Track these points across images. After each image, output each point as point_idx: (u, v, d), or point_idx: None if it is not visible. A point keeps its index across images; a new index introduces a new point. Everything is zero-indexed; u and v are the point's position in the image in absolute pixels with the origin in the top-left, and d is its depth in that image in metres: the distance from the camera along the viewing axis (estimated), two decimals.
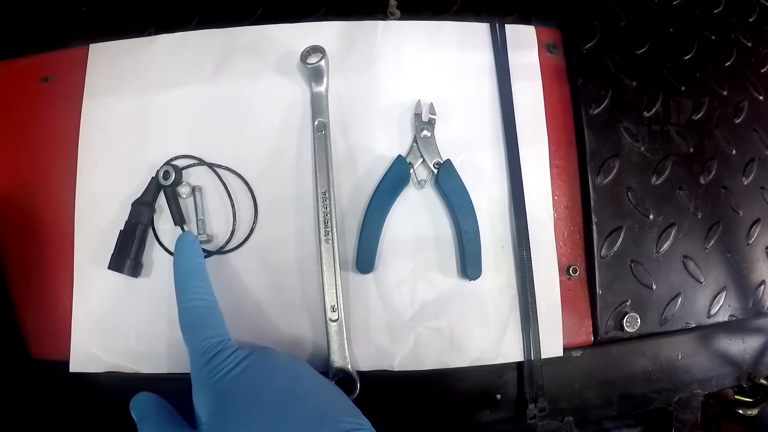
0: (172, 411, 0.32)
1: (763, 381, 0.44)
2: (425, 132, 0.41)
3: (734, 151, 0.45)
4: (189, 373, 0.37)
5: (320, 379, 0.32)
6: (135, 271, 0.38)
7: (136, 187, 0.40)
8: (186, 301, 0.33)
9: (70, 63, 0.43)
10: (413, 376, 0.39)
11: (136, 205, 0.39)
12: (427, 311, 0.39)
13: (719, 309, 0.43)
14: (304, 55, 0.40)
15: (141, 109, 0.42)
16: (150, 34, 0.44)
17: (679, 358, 0.42)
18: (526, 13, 0.45)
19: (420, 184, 0.40)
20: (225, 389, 0.30)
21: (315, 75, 0.40)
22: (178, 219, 0.39)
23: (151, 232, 0.40)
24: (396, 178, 0.40)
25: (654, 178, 0.43)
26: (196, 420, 0.31)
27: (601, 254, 0.41)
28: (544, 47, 0.44)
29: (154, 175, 0.39)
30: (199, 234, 0.39)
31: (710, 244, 0.43)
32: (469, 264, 0.38)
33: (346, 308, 0.38)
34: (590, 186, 0.42)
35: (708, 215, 0.43)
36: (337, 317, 0.37)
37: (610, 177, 0.42)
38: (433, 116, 0.41)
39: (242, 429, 0.28)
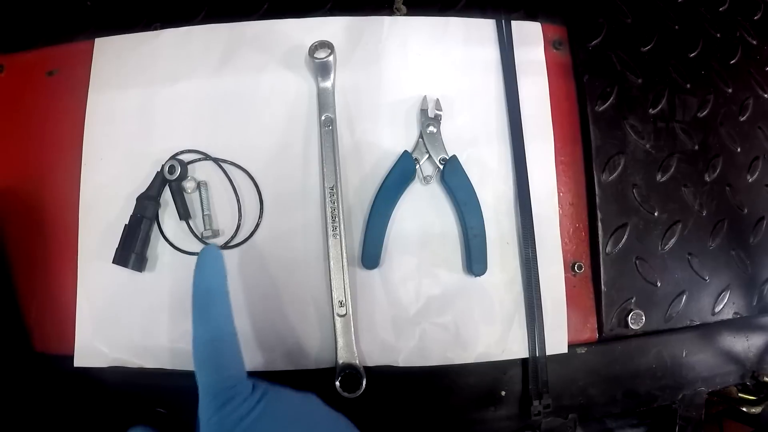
0: None
1: (767, 379, 0.44)
2: (431, 128, 0.41)
3: (739, 149, 0.45)
4: (192, 370, 0.37)
5: (332, 417, 0.31)
6: (139, 265, 0.38)
7: (141, 181, 0.40)
8: (203, 332, 0.30)
9: (75, 57, 0.43)
10: (418, 371, 0.39)
11: (141, 199, 0.39)
12: (432, 307, 0.39)
13: (724, 307, 0.43)
14: (312, 50, 0.40)
15: (146, 104, 0.42)
16: (155, 29, 0.43)
17: (684, 355, 0.42)
18: (533, 10, 0.45)
19: (426, 179, 0.40)
20: None
21: (322, 70, 0.40)
22: (183, 213, 0.39)
23: (156, 226, 0.40)
24: (402, 173, 0.40)
25: (659, 175, 0.43)
26: None
27: (606, 251, 0.41)
28: (550, 44, 0.44)
29: (159, 170, 0.39)
30: (204, 229, 0.39)
31: (715, 241, 0.43)
32: (474, 260, 0.38)
33: (352, 304, 0.38)
34: (595, 183, 0.42)
35: (713, 213, 0.43)
36: (345, 312, 0.37)
37: (615, 174, 0.42)
38: (439, 112, 0.41)
39: None
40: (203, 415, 0.29)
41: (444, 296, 0.39)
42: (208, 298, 0.31)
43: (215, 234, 0.39)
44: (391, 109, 0.42)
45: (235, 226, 0.40)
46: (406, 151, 0.40)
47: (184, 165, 0.40)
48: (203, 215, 0.39)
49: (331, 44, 0.40)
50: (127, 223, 0.39)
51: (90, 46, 0.43)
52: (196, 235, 0.39)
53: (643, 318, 0.41)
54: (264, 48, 0.42)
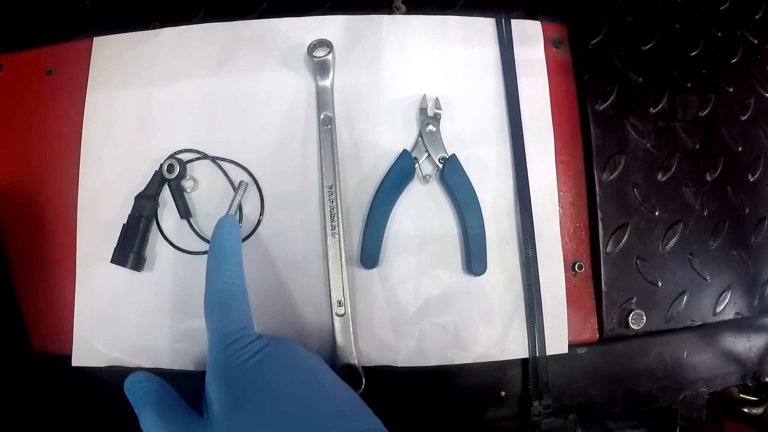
0: (175, 397, 0.31)
1: None
2: (430, 127, 0.40)
3: (740, 148, 0.45)
4: (191, 370, 0.37)
5: (336, 377, 0.32)
6: (138, 265, 0.38)
7: (140, 180, 0.40)
8: (214, 283, 0.32)
9: (73, 56, 0.43)
10: (417, 372, 0.39)
11: (140, 198, 0.39)
12: (431, 307, 0.39)
13: (725, 307, 0.42)
14: (311, 48, 0.39)
15: (145, 103, 0.42)
16: (154, 28, 0.43)
17: (685, 356, 0.42)
18: (532, 8, 0.45)
19: (425, 179, 0.40)
20: (242, 378, 0.29)
21: (321, 69, 0.40)
22: (184, 212, 0.39)
23: (155, 225, 0.40)
24: (401, 172, 0.39)
25: (660, 175, 0.43)
26: (207, 407, 0.30)
27: (607, 251, 0.41)
28: (550, 42, 0.44)
29: (157, 169, 0.39)
30: None
31: (716, 241, 0.43)
32: (474, 260, 0.38)
33: (351, 303, 0.38)
34: (596, 182, 0.41)
35: (714, 212, 0.43)
36: (343, 312, 0.37)
37: (616, 173, 0.42)
38: (438, 111, 0.41)
39: (257, 420, 0.27)
40: (210, 357, 0.30)
41: (443, 296, 0.39)
42: (221, 255, 0.33)
43: None
44: (390, 108, 0.41)
45: None
46: (405, 150, 0.40)
47: (183, 164, 0.40)
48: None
49: (330, 43, 0.40)
50: (125, 222, 0.39)
51: (88, 45, 0.43)
52: (197, 233, 0.39)
53: (644, 318, 0.40)
54: (263, 47, 0.42)
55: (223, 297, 0.32)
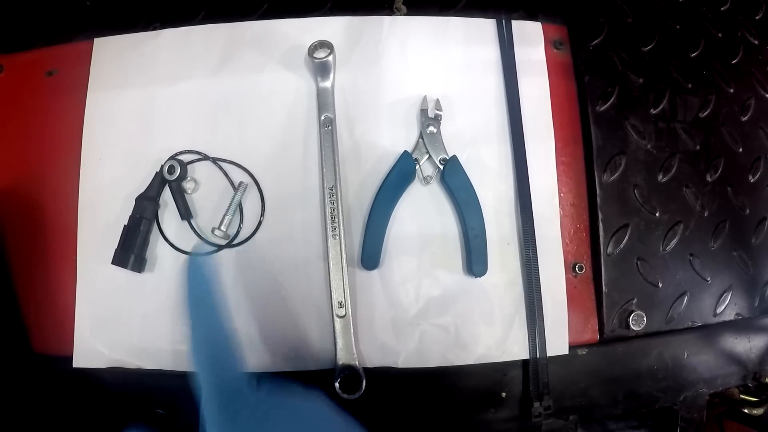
0: None
1: None
2: (431, 128, 0.40)
3: (741, 149, 0.45)
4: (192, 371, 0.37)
5: (340, 420, 0.30)
6: (139, 266, 0.38)
7: (141, 181, 0.40)
8: (199, 335, 0.29)
9: (74, 57, 0.43)
10: (418, 373, 0.39)
11: (140, 199, 0.39)
12: (432, 308, 0.39)
13: (725, 308, 0.42)
14: (312, 49, 0.39)
15: (146, 104, 0.42)
16: (155, 29, 0.43)
17: (685, 356, 0.42)
18: (533, 10, 0.45)
19: (426, 180, 0.40)
20: None
21: (322, 70, 0.40)
22: (185, 213, 0.39)
23: (156, 227, 0.40)
24: (402, 174, 0.39)
25: (660, 176, 0.43)
26: None
27: (608, 252, 0.41)
28: (550, 43, 0.44)
29: (158, 170, 0.39)
30: (217, 228, 0.38)
31: (717, 242, 0.43)
32: (474, 261, 0.38)
33: (351, 304, 0.38)
34: (597, 183, 0.41)
35: (714, 213, 0.43)
36: (344, 313, 0.37)
37: (616, 174, 0.42)
38: (439, 112, 0.41)
39: None
40: (208, 416, 0.28)
41: (444, 297, 0.39)
42: (199, 304, 0.30)
43: (226, 237, 0.39)
44: (390, 109, 0.41)
45: (237, 227, 0.39)
46: (406, 152, 0.40)
47: (184, 165, 0.40)
48: (224, 215, 0.39)
49: (331, 44, 0.40)
50: (126, 223, 0.39)
51: (89, 46, 0.43)
52: (198, 235, 0.39)
53: (645, 319, 0.40)
54: (263, 48, 0.42)
55: (211, 348, 0.29)
